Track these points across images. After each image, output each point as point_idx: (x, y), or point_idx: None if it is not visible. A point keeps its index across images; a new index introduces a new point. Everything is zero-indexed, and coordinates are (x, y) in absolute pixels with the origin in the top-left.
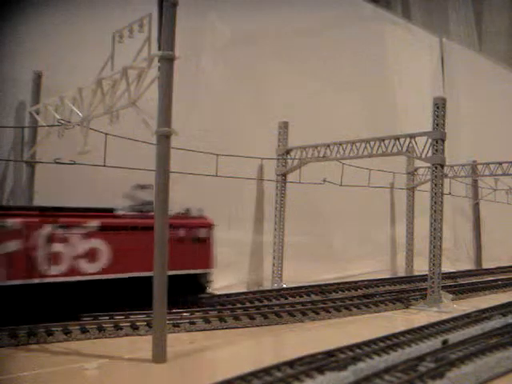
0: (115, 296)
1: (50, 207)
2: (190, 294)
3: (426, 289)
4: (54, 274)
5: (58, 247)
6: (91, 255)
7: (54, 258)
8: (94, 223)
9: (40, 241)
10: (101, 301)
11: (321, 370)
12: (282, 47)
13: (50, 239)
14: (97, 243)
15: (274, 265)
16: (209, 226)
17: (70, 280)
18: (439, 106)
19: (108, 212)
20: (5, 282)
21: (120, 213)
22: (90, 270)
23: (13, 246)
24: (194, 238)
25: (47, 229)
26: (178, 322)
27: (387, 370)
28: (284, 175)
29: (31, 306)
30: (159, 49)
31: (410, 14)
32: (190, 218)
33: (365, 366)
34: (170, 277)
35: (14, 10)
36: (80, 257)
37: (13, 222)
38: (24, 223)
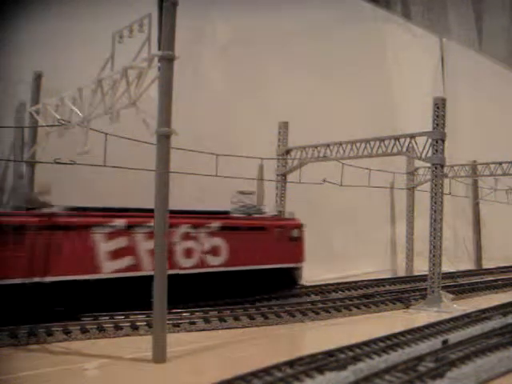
0: (231, 285)
1: (181, 210)
2: (285, 285)
3: (425, 289)
4: (188, 266)
5: (190, 244)
6: (214, 251)
7: (188, 253)
8: (217, 224)
9: (178, 239)
10: (221, 289)
11: (321, 370)
12: (282, 47)
13: (185, 237)
14: (218, 241)
15: None
16: (300, 227)
17: (200, 271)
18: (439, 105)
19: (225, 214)
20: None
21: (235, 215)
22: (214, 263)
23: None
24: (290, 237)
25: (183, 229)
26: (178, 321)
27: (387, 370)
28: (284, 175)
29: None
30: (159, 49)
31: (410, 14)
32: (285, 219)
33: (365, 366)
34: (273, 270)
35: (14, 10)
36: (207, 252)
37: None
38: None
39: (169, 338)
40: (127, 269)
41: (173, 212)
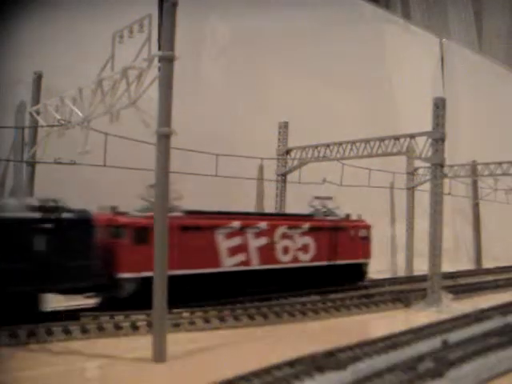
0: (316, 278)
1: (275, 213)
2: (356, 279)
3: (425, 289)
4: (285, 261)
5: (287, 242)
6: (304, 248)
7: (285, 250)
8: (307, 225)
9: (277, 237)
10: (308, 281)
11: (321, 370)
12: (282, 47)
13: (284, 237)
14: (307, 239)
15: None
16: (368, 227)
17: (294, 266)
18: (439, 106)
19: (311, 217)
20: (262, 265)
21: (319, 217)
22: (304, 259)
23: (263, 241)
24: (361, 237)
25: (282, 229)
26: (178, 321)
27: (387, 370)
28: (284, 175)
29: (271, 283)
30: (159, 49)
31: (410, 14)
32: (357, 221)
33: (365, 366)
34: (350, 265)
35: (15, 10)
36: (298, 249)
37: (262, 224)
38: (269, 225)
39: (169, 338)
40: (241, 263)
41: (271, 215)
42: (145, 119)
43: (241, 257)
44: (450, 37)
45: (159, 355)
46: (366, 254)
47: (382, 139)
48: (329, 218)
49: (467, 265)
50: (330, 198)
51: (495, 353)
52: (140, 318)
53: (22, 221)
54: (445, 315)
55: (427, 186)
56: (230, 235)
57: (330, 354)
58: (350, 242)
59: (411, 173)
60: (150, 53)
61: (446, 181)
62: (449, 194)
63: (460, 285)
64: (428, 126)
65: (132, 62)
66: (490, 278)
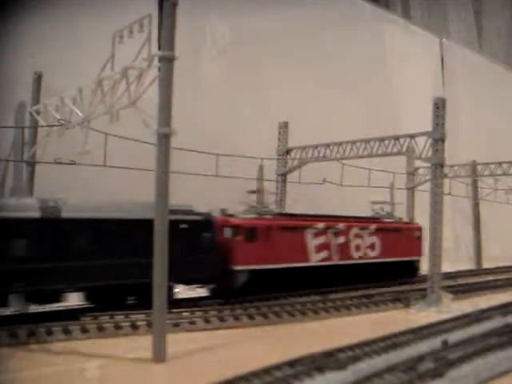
0: (378, 273)
1: (348, 216)
2: (411, 274)
3: (425, 289)
4: (357, 257)
5: (358, 241)
6: (371, 247)
7: (357, 248)
8: (373, 226)
9: (351, 237)
10: (372, 275)
11: (321, 370)
12: (283, 47)
13: (356, 236)
14: (374, 239)
15: None
16: (420, 229)
17: (364, 262)
18: (439, 106)
19: (376, 219)
20: (341, 261)
21: (384, 220)
22: (371, 256)
23: (341, 239)
24: (415, 237)
25: (355, 230)
26: (178, 321)
27: (387, 370)
28: (284, 175)
29: (345, 277)
30: (159, 49)
31: (410, 14)
32: (411, 223)
33: (365, 366)
34: (406, 261)
35: (15, 10)
36: (367, 247)
37: (341, 225)
38: (346, 226)
39: (169, 338)
40: (325, 259)
41: (345, 217)
42: (145, 119)
43: (324, 253)
44: (449, 37)
45: (159, 355)
46: (419, 252)
47: (382, 139)
48: (389, 220)
49: (467, 265)
50: (386, 203)
51: (495, 353)
52: (140, 317)
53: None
54: (445, 315)
55: (427, 186)
56: (317, 235)
57: (329, 354)
58: (407, 241)
59: (411, 173)
60: (149, 53)
61: (446, 181)
62: (449, 193)
63: (460, 285)
64: (428, 126)
65: (132, 62)
66: (490, 278)
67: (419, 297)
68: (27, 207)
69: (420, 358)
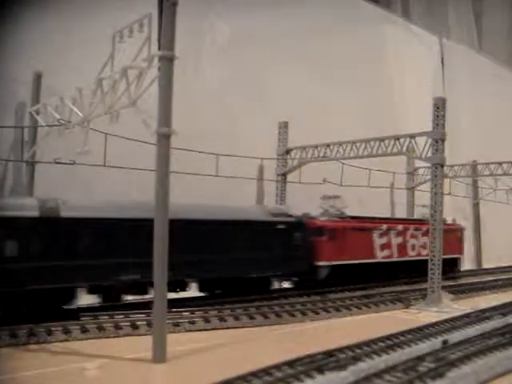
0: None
1: (403, 218)
2: (454, 270)
3: (425, 289)
4: (413, 255)
5: (413, 241)
6: (424, 246)
7: (412, 247)
8: (425, 227)
9: (408, 237)
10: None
11: (321, 370)
12: (283, 47)
13: (411, 236)
14: (425, 239)
15: None
16: (463, 229)
17: (417, 259)
18: (439, 106)
19: (426, 221)
20: (400, 258)
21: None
22: (423, 253)
23: (399, 239)
24: (459, 237)
25: (410, 231)
26: (178, 321)
27: (387, 370)
28: (284, 175)
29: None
30: (159, 49)
31: (410, 14)
32: (455, 224)
33: (365, 366)
34: (453, 258)
35: (15, 10)
36: (420, 246)
37: (399, 227)
38: (403, 228)
39: (169, 338)
40: (387, 256)
41: (402, 220)
42: (145, 119)
43: (387, 251)
44: (449, 37)
45: (159, 355)
46: (461, 250)
47: (381, 139)
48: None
49: (467, 265)
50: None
51: (495, 353)
52: (140, 317)
53: (269, 223)
54: (445, 315)
55: (427, 186)
56: (381, 235)
57: (329, 354)
58: (453, 240)
59: (411, 173)
60: (149, 53)
61: (446, 181)
62: (449, 194)
63: (460, 285)
64: (428, 126)
65: (132, 62)
66: (490, 278)
67: (419, 297)
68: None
69: (420, 358)
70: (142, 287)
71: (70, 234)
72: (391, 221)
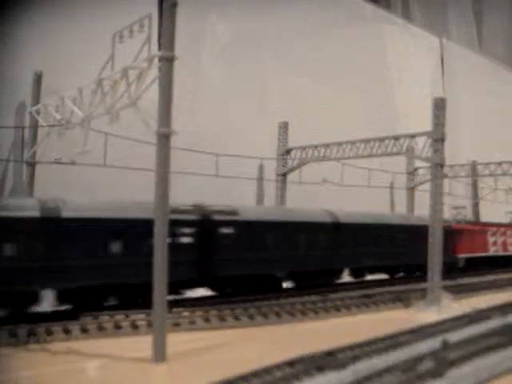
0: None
1: (500, 223)
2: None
3: (425, 289)
4: (510, 250)
5: (510, 239)
6: None
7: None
8: None
9: (507, 236)
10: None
11: (321, 369)
12: (283, 47)
13: (509, 236)
14: None
15: None
16: None
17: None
18: (439, 106)
19: None
20: (502, 253)
21: None
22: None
23: (502, 238)
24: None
25: (509, 232)
26: (178, 321)
27: (387, 370)
28: (284, 175)
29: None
30: (159, 49)
31: (410, 14)
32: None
33: (365, 366)
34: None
35: (15, 10)
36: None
37: (502, 229)
38: (505, 229)
39: (169, 338)
40: (495, 251)
41: (501, 224)
42: (145, 119)
43: (495, 247)
44: (449, 37)
45: (159, 355)
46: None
47: (381, 139)
48: None
49: None
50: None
51: (495, 353)
52: (140, 317)
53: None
54: (445, 315)
55: (427, 186)
56: (491, 234)
57: (329, 353)
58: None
59: (411, 173)
60: (150, 53)
61: (446, 181)
62: (449, 193)
63: (460, 285)
64: (428, 126)
65: (132, 62)
66: (490, 278)
67: (419, 297)
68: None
69: (420, 358)
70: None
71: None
72: (496, 225)
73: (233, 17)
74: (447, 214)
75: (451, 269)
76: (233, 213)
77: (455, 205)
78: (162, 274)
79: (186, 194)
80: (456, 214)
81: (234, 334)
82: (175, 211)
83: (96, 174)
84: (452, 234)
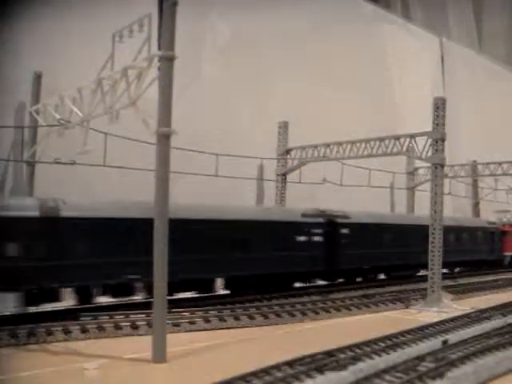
0: None
1: None
2: None
3: (425, 289)
4: None
5: None
6: None
7: None
8: None
9: None
10: None
11: (321, 370)
12: (283, 47)
13: None
14: None
15: None
16: None
17: None
18: (439, 106)
19: None
20: None
21: None
22: None
23: None
24: None
25: None
26: (178, 321)
27: (387, 370)
28: (284, 175)
29: None
30: (159, 49)
31: (410, 14)
32: None
33: (365, 366)
34: None
35: (14, 10)
36: None
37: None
38: None
39: (169, 338)
40: None
41: None
42: (145, 119)
43: None
44: (449, 37)
45: (159, 355)
46: None
47: (381, 139)
48: None
49: None
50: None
51: (495, 353)
52: (140, 317)
53: (487, 228)
54: (445, 315)
55: (427, 186)
56: None
57: (329, 354)
58: None
59: (411, 173)
60: (149, 52)
61: (446, 181)
62: (449, 194)
63: (460, 285)
64: (428, 126)
65: (132, 62)
66: (490, 278)
67: (419, 297)
68: None
69: (420, 358)
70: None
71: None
72: None
73: (233, 16)
74: (492, 217)
75: (499, 265)
76: (347, 217)
77: (499, 209)
78: (162, 273)
79: (186, 194)
80: (502, 217)
81: (234, 334)
82: (306, 215)
83: (96, 174)
84: (499, 235)
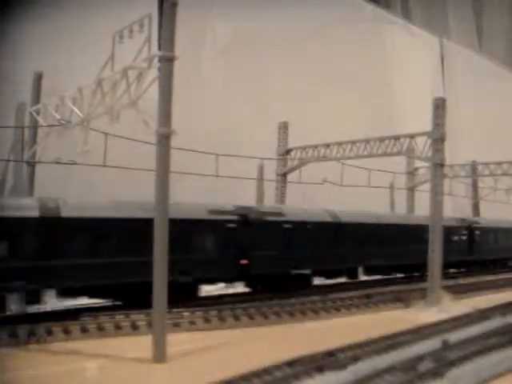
0: None
1: None
2: None
3: (425, 289)
4: None
5: None
6: None
7: None
8: None
9: None
10: None
11: (321, 370)
12: (283, 47)
13: None
14: None
15: None
16: None
17: None
18: (439, 106)
19: None
20: None
21: None
22: None
23: None
24: None
25: None
26: (178, 321)
27: (387, 370)
28: (284, 175)
29: None
30: (159, 49)
31: (410, 14)
32: None
33: (365, 366)
34: None
35: (15, 10)
36: None
37: None
38: None
39: (169, 338)
40: None
41: None
42: (145, 119)
43: None
44: (450, 37)
45: (159, 355)
46: None
47: (382, 139)
48: None
49: None
50: None
51: (495, 353)
52: (140, 317)
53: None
54: (445, 315)
55: (427, 186)
56: None
57: (329, 354)
58: None
59: (411, 173)
60: (149, 53)
61: (446, 181)
62: (449, 193)
63: (460, 285)
64: (428, 126)
65: (132, 62)
66: (490, 278)
67: (419, 297)
68: None
69: (420, 358)
70: None
71: None
72: None
73: (233, 17)
74: None
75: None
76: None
77: None
78: (162, 273)
79: (186, 194)
80: None
81: (234, 334)
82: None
83: (96, 174)
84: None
